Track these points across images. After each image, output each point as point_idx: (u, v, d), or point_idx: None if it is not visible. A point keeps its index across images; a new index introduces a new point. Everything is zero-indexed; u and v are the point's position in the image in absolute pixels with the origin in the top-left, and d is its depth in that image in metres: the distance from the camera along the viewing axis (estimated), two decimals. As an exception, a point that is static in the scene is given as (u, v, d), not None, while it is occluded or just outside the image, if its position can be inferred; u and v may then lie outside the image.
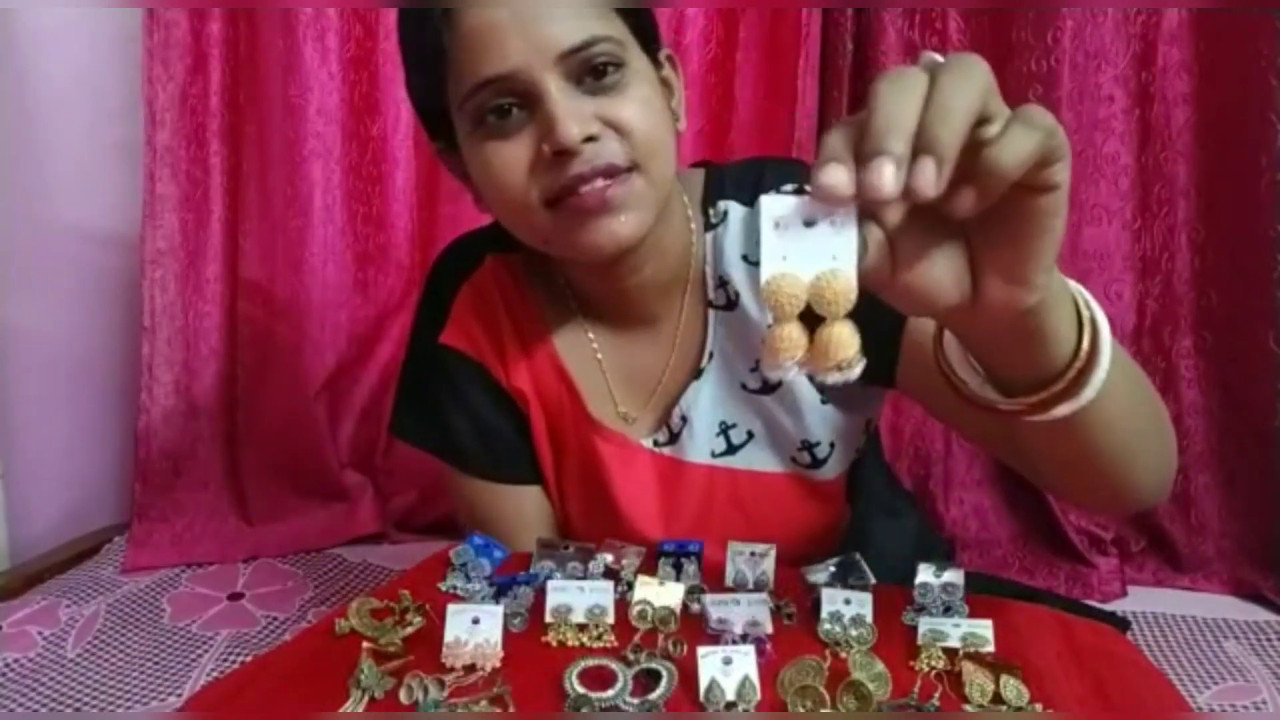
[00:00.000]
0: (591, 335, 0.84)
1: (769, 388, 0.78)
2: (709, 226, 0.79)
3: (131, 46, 1.48)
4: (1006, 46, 1.38)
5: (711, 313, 0.80)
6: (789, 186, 0.76)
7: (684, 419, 0.81)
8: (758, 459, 0.81)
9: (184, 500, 1.54)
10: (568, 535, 0.89)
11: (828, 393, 0.78)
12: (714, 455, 0.82)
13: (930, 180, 0.36)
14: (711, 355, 0.80)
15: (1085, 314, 0.48)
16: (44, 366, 1.50)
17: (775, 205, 0.40)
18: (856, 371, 0.40)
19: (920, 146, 0.36)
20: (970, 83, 0.37)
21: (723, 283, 0.78)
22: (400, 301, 1.60)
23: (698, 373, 0.80)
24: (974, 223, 0.42)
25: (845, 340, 0.40)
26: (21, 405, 1.46)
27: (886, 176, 0.36)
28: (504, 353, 0.84)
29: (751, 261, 0.77)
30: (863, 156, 0.37)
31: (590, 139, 0.66)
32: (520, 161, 0.67)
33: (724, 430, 0.81)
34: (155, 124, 1.49)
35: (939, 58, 0.39)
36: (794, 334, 0.39)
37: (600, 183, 0.66)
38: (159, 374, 1.54)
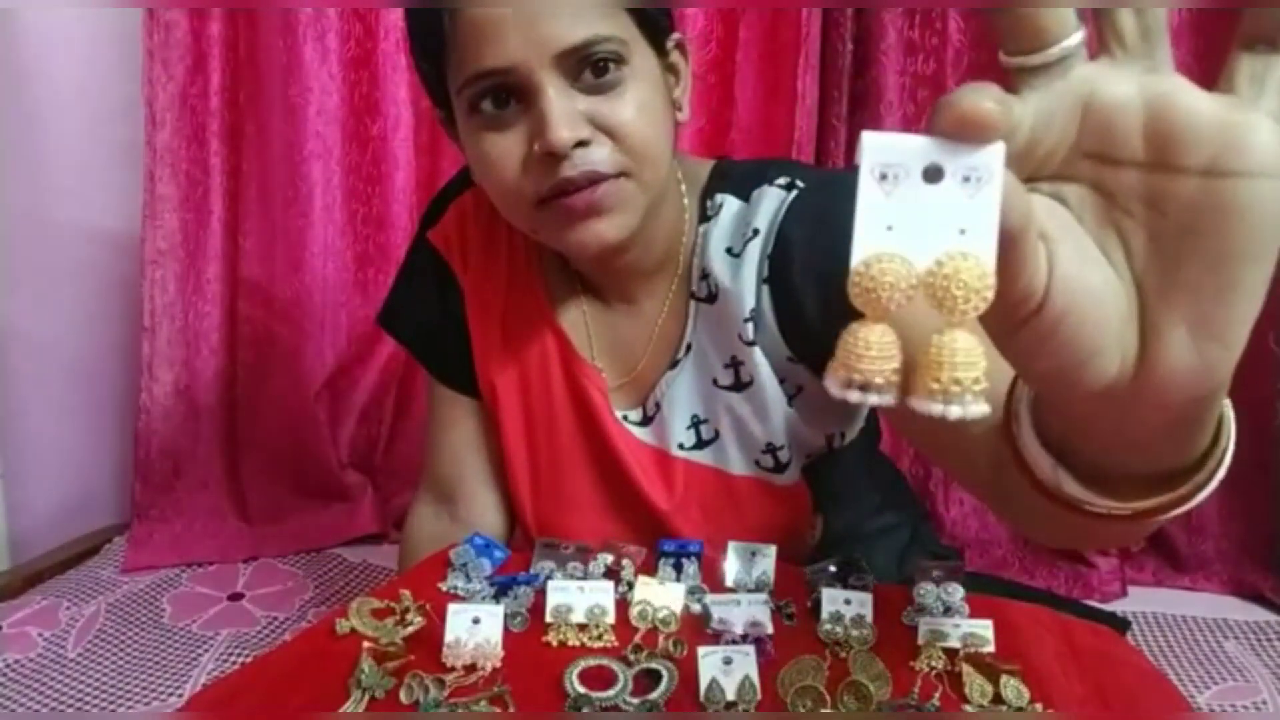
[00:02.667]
0: (584, 300, 0.84)
1: (739, 385, 0.78)
2: (704, 218, 0.79)
3: (131, 46, 1.48)
4: (1007, 46, 1.38)
5: (693, 304, 0.79)
6: None
7: (658, 406, 0.82)
8: (724, 458, 0.81)
9: (184, 500, 1.54)
10: (509, 462, 0.87)
11: (794, 400, 0.78)
12: (682, 448, 0.81)
13: None
14: (689, 347, 0.80)
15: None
16: (44, 366, 1.49)
17: (883, 145, 0.28)
18: (982, 409, 0.28)
19: None
20: None
21: (705, 275, 0.78)
22: (400, 301, 1.60)
23: (674, 363, 0.80)
24: (1150, 253, 0.31)
25: (967, 354, 0.28)
26: (21, 405, 1.46)
27: None
28: (484, 269, 0.85)
29: (734, 254, 0.76)
30: None
31: (581, 143, 0.66)
32: (512, 156, 0.68)
33: (695, 424, 0.81)
34: (155, 124, 1.49)
35: None
36: (885, 339, 0.28)
37: (587, 186, 0.67)
38: (159, 374, 1.54)
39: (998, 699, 0.56)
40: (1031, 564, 1.44)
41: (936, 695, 0.57)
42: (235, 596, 1.35)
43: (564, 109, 0.65)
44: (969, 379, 0.27)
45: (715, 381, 0.79)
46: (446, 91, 0.72)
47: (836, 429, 0.82)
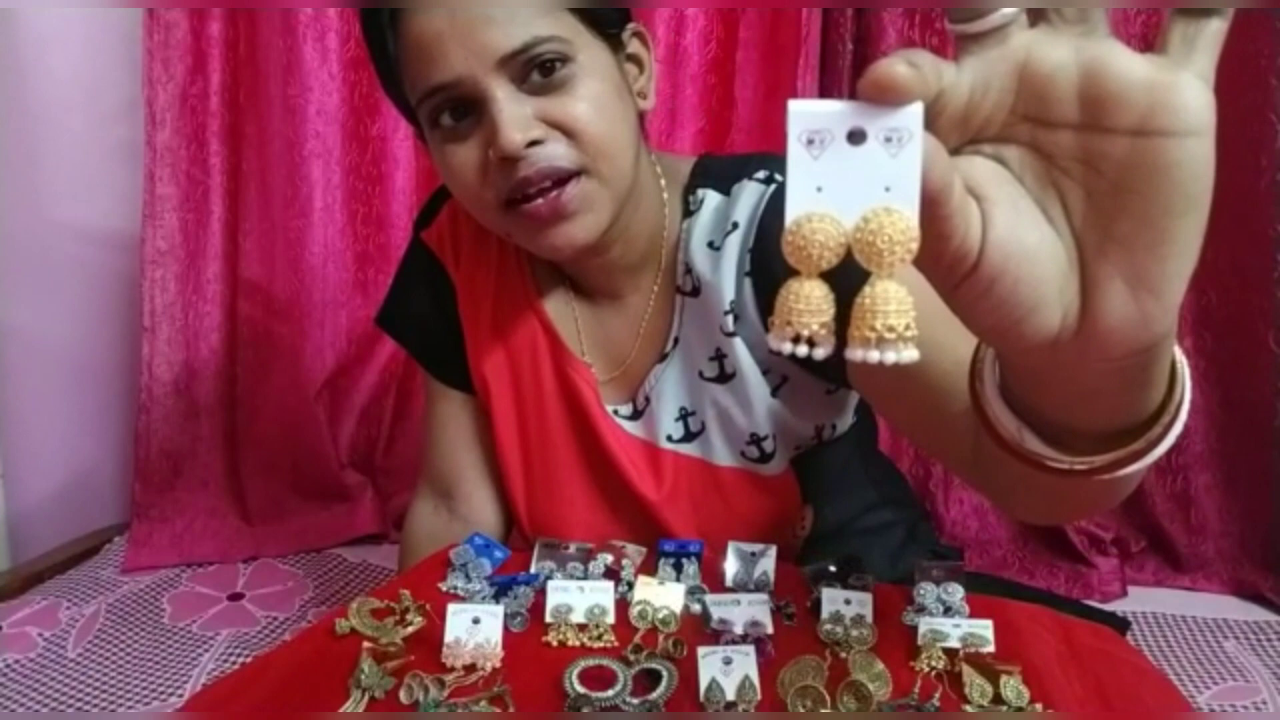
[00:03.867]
0: (572, 296, 0.85)
1: (723, 377, 0.79)
2: (687, 213, 0.79)
3: (131, 46, 1.48)
4: (1007, 46, 1.38)
5: (679, 298, 0.80)
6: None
7: (648, 399, 0.82)
8: (710, 449, 0.82)
9: (184, 500, 1.54)
10: (503, 457, 0.88)
11: (778, 391, 0.78)
12: (670, 440, 0.82)
13: None
14: (677, 341, 0.81)
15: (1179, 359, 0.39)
16: (44, 366, 1.50)
17: (806, 113, 0.29)
18: (911, 353, 0.29)
19: None
20: None
21: (689, 269, 0.78)
22: (400, 301, 1.60)
23: (663, 356, 0.81)
24: (1087, 210, 0.32)
25: (897, 302, 0.29)
26: (22, 405, 1.47)
27: None
28: (475, 266, 0.86)
29: (714, 248, 0.76)
30: None
31: (534, 143, 0.66)
32: (472, 165, 0.69)
33: (683, 416, 0.82)
34: (155, 124, 1.49)
35: None
36: (815, 293, 0.30)
37: (550, 188, 0.67)
38: (159, 374, 1.54)
39: (998, 699, 0.56)
40: (1031, 564, 1.44)
41: (936, 695, 0.57)
42: (235, 596, 1.35)
43: (512, 113, 0.66)
44: (900, 325, 0.29)
45: (701, 374, 0.80)
46: (413, 109, 0.72)
47: (825, 420, 0.83)
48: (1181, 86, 0.29)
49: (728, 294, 0.75)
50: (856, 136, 0.29)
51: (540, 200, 0.67)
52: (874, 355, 0.29)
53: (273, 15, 1.48)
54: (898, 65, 0.28)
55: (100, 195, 1.53)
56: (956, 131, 0.32)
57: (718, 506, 0.83)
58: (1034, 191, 0.33)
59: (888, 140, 0.28)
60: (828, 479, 0.85)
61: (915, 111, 0.28)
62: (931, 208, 0.30)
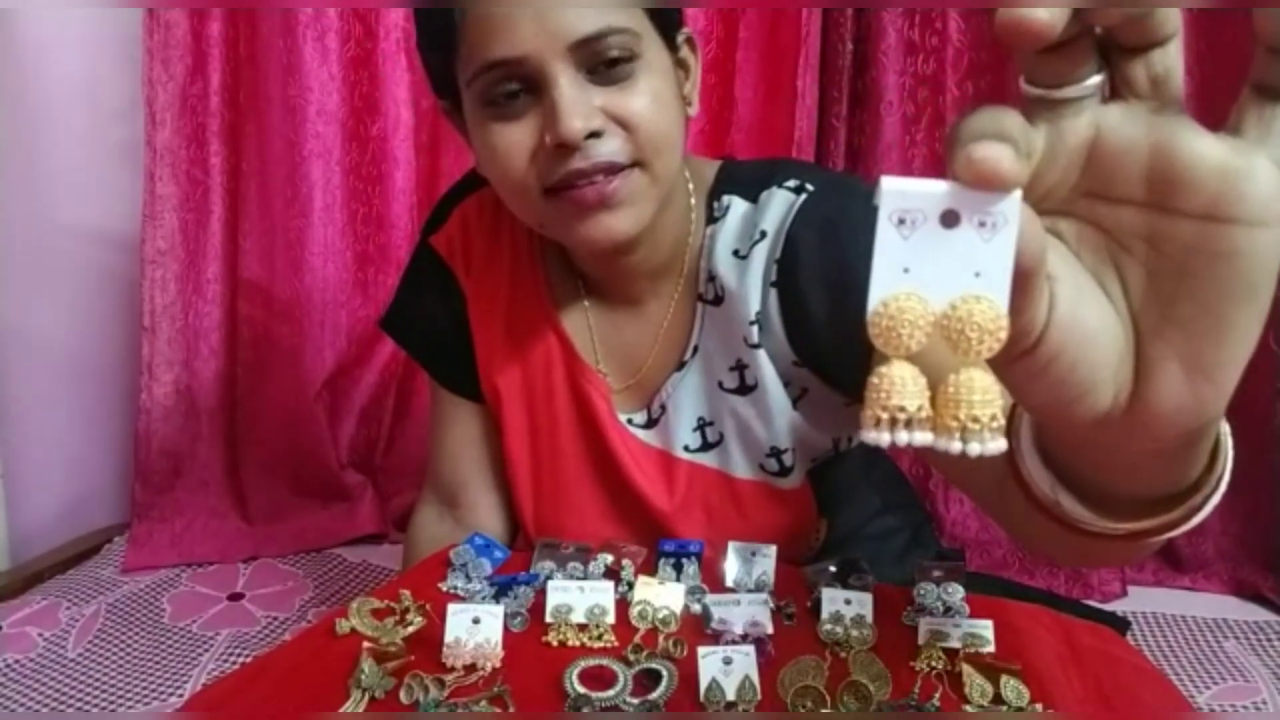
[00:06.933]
0: (588, 303, 0.84)
1: (744, 388, 0.77)
2: (711, 220, 0.78)
3: (131, 47, 1.48)
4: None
5: (700, 306, 0.79)
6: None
7: (663, 408, 0.81)
8: (728, 461, 0.80)
9: (184, 500, 1.54)
10: (509, 467, 0.87)
11: (798, 404, 0.77)
12: (687, 450, 0.81)
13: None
14: (696, 349, 0.79)
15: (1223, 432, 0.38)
16: (44, 366, 1.49)
17: (900, 192, 0.28)
18: (999, 444, 0.28)
19: None
20: None
21: (712, 277, 0.77)
22: (400, 301, 1.60)
23: (680, 364, 0.80)
24: (1147, 291, 0.31)
25: (984, 393, 0.28)
26: (21, 405, 1.46)
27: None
28: (486, 273, 0.85)
29: (740, 256, 0.75)
30: None
31: (594, 134, 0.65)
32: (522, 147, 0.67)
33: (701, 426, 0.80)
34: (155, 124, 1.49)
35: None
36: (908, 377, 0.28)
37: (600, 178, 0.66)
38: (159, 374, 1.54)
39: (998, 699, 0.56)
40: (1031, 564, 1.44)
41: (936, 695, 0.57)
42: (235, 596, 1.35)
43: (576, 99, 0.64)
44: (986, 416, 0.28)
45: (720, 384, 0.78)
46: (453, 82, 0.71)
47: (843, 433, 0.82)
48: (1254, 173, 0.28)
49: (753, 304, 0.74)
50: (950, 219, 0.28)
51: (589, 187, 0.66)
52: (956, 445, 0.28)
53: (273, 15, 1.48)
54: (1004, 154, 0.27)
55: (100, 195, 1.53)
56: (1025, 198, 0.29)
57: (733, 518, 0.81)
58: (1090, 266, 0.32)
59: (981, 225, 0.28)
60: (839, 490, 0.85)
61: (1015, 199, 0.27)
62: (1017, 286, 0.28)
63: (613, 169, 0.66)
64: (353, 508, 1.57)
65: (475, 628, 0.61)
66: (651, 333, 0.81)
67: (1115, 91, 0.30)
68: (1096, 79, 0.29)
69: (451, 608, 0.62)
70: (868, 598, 0.65)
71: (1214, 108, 1.34)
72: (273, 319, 1.57)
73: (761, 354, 0.75)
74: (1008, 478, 0.42)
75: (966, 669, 0.58)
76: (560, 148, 0.65)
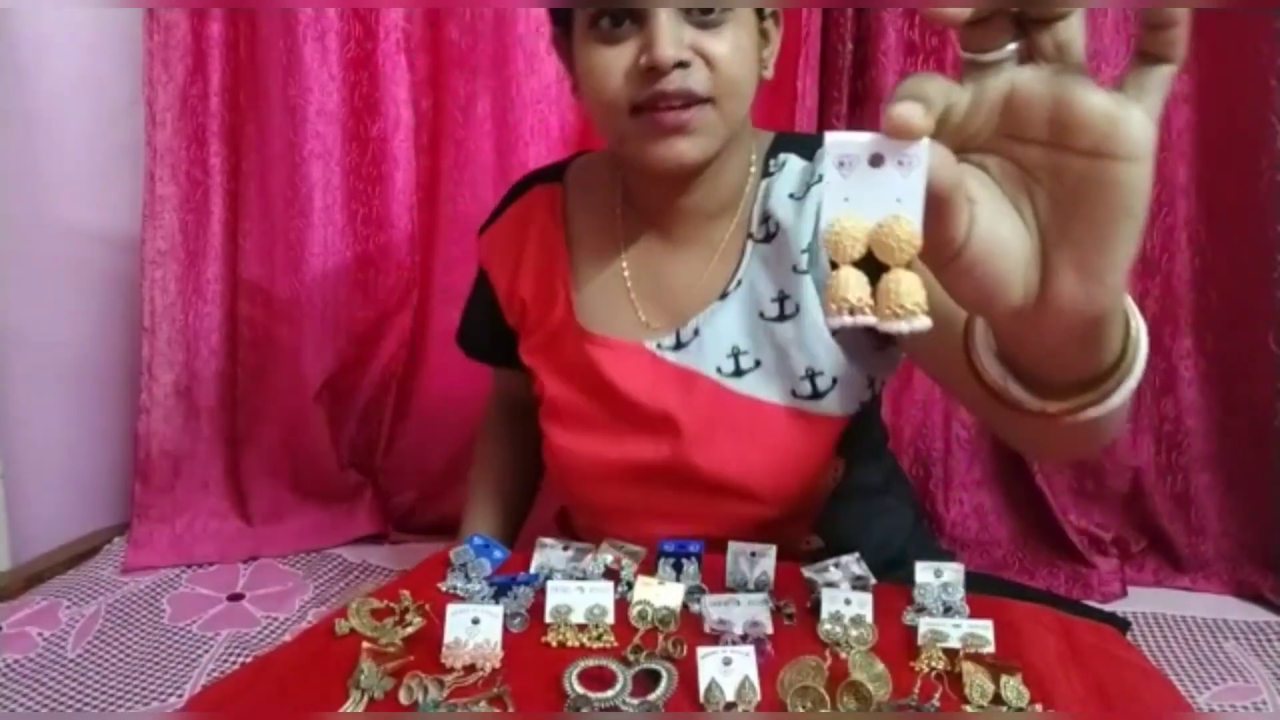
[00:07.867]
0: (623, 254, 0.90)
1: (784, 316, 0.83)
2: (767, 174, 0.86)
3: (131, 47, 1.48)
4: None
5: (749, 244, 0.85)
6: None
7: (696, 331, 0.85)
8: (761, 387, 0.83)
9: (184, 500, 1.54)
10: (556, 438, 0.92)
11: (837, 335, 0.82)
12: (720, 373, 0.84)
13: None
14: (740, 283, 0.84)
15: (1134, 322, 0.46)
16: (44, 366, 1.49)
17: (840, 142, 0.37)
18: (922, 322, 0.37)
19: None
20: None
21: (766, 218, 0.84)
22: (400, 301, 1.60)
23: (723, 295, 0.85)
24: (1049, 212, 0.40)
25: (908, 287, 0.37)
26: (21, 405, 1.46)
27: None
28: (518, 265, 0.96)
29: (797, 198, 0.83)
30: None
31: (681, 64, 0.73)
32: (619, 67, 0.76)
33: (735, 354, 0.84)
34: (155, 124, 1.49)
35: None
36: (852, 279, 0.37)
37: (679, 105, 0.75)
38: (159, 374, 1.54)
39: (998, 699, 0.56)
40: (1031, 564, 1.44)
41: (936, 695, 0.57)
42: (235, 597, 1.35)
43: (672, 31, 0.73)
44: (911, 303, 0.36)
45: (762, 314, 0.83)
46: (566, 11, 0.80)
47: (877, 374, 0.86)
48: (1131, 121, 0.36)
49: (805, 236, 0.82)
50: (876, 160, 0.36)
51: (669, 112, 0.75)
52: (892, 326, 0.37)
53: (273, 15, 1.48)
54: (914, 112, 0.35)
55: (100, 195, 1.53)
56: (955, 138, 0.39)
57: (759, 442, 0.83)
58: (1009, 193, 0.40)
59: (900, 164, 0.36)
60: (855, 442, 0.88)
61: (924, 144, 0.36)
62: (938, 204, 0.36)
63: (691, 98, 0.75)
64: (353, 508, 1.57)
65: (475, 628, 0.61)
66: (697, 270, 0.87)
67: (1029, 56, 0.38)
68: (1013, 46, 0.38)
69: (451, 608, 0.62)
70: (868, 598, 0.65)
71: (1214, 106, 1.35)
72: (273, 319, 1.57)
73: (807, 279, 0.81)
74: (971, 374, 0.51)
75: (966, 669, 0.58)
76: (651, 71, 0.73)
